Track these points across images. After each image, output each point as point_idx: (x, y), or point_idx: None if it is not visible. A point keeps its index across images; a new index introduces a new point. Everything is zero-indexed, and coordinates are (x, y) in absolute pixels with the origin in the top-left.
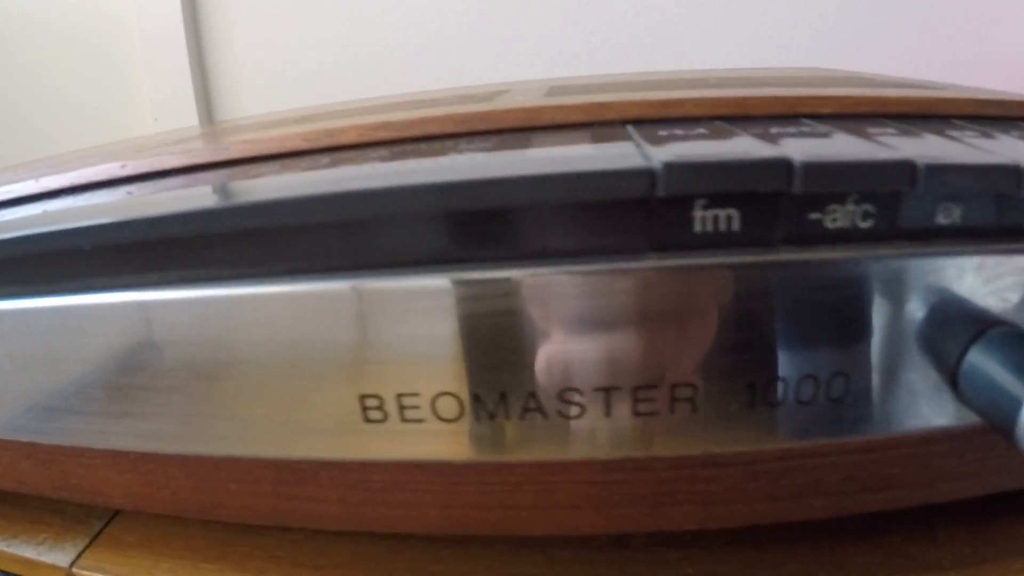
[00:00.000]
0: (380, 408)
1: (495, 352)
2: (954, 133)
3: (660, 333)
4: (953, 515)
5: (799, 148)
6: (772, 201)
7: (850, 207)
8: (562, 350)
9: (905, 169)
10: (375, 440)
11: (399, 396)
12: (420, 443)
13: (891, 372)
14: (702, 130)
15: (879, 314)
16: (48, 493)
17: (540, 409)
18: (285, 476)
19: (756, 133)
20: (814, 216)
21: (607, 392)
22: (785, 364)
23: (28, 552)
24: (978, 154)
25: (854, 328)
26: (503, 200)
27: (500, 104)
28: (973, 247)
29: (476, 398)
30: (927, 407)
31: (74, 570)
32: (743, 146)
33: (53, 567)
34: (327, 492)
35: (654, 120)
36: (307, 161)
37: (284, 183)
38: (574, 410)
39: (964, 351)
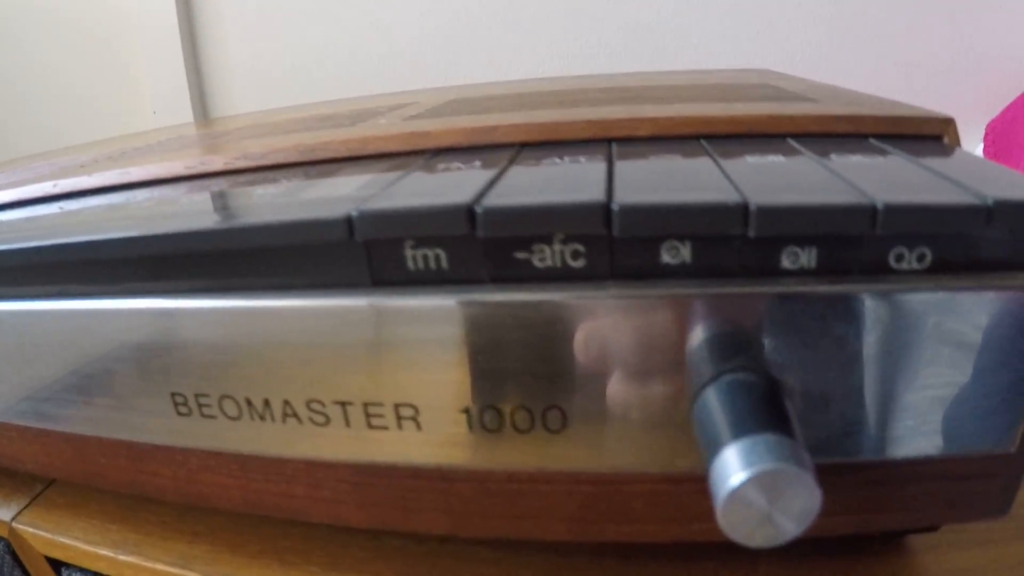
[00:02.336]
0: (186, 404)
1: (259, 365)
2: (752, 158)
3: (379, 358)
4: (781, 551)
5: (514, 188)
6: (474, 242)
7: (557, 247)
8: (304, 365)
9: (595, 212)
10: (184, 430)
11: (196, 395)
12: (213, 435)
13: (616, 411)
14: (478, 162)
15: (597, 353)
16: None
17: (295, 415)
18: (134, 454)
19: (530, 163)
20: (521, 255)
21: (343, 406)
22: (497, 394)
23: None
24: (711, 189)
25: (567, 365)
26: (241, 244)
27: (342, 134)
28: (701, 288)
29: (248, 402)
30: (660, 448)
31: (14, 524)
32: (453, 188)
33: None
34: (163, 469)
35: (463, 148)
36: (184, 187)
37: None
38: (320, 418)
39: (697, 394)
